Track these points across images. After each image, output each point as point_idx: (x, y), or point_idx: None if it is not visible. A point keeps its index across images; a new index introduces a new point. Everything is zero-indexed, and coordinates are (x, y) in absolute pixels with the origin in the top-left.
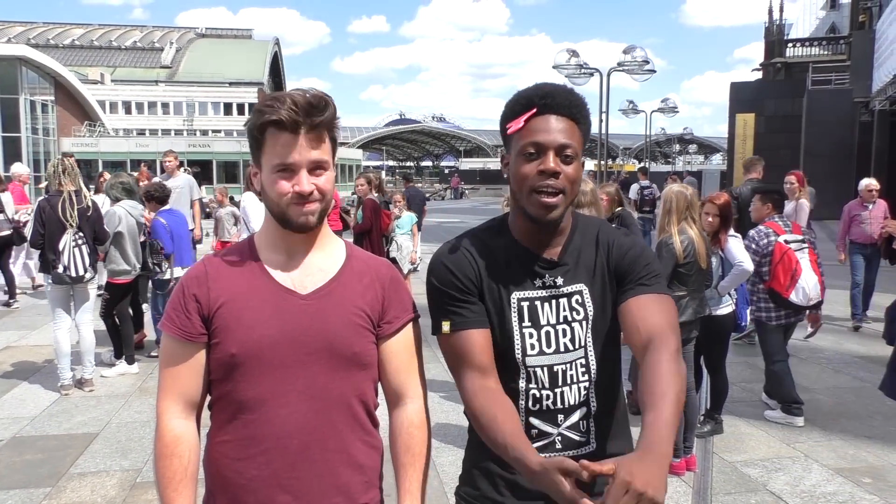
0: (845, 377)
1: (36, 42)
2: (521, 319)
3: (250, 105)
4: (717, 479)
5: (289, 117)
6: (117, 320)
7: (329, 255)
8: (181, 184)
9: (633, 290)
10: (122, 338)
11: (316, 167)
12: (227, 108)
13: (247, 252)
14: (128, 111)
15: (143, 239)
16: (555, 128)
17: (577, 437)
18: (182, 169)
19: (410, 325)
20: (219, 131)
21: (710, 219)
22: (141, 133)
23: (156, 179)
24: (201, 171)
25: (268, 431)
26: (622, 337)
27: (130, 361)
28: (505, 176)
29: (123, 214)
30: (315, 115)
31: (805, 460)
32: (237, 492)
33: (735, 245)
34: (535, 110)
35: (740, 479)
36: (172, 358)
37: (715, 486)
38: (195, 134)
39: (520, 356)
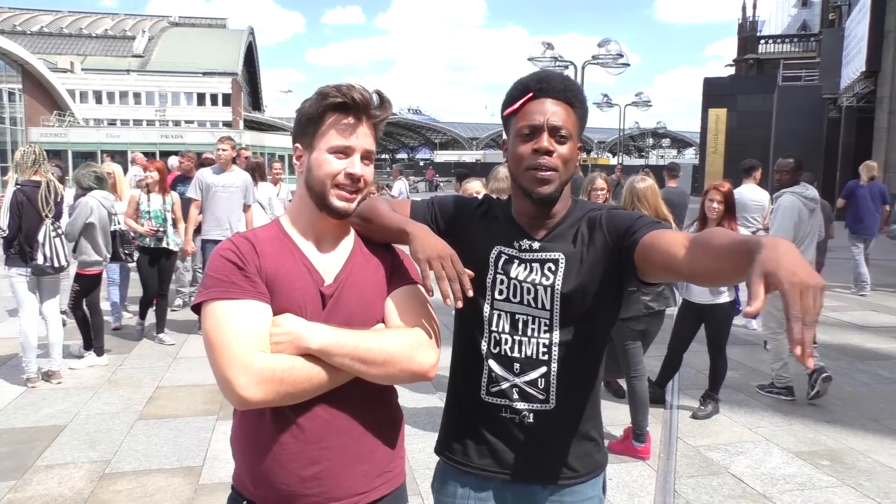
0: None
1: (2, 28)
2: (496, 267)
3: (224, 95)
4: (681, 462)
5: (361, 100)
6: (87, 312)
7: (347, 237)
8: (236, 182)
9: (640, 234)
10: (91, 329)
11: (366, 156)
12: (201, 99)
13: (281, 234)
14: (98, 101)
15: (113, 228)
16: (549, 110)
17: (535, 394)
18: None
19: (412, 285)
20: (192, 122)
21: (716, 205)
22: (112, 123)
23: (205, 171)
24: None
25: (298, 406)
26: (662, 269)
27: (100, 353)
28: (505, 160)
29: (95, 205)
30: (379, 109)
31: (766, 444)
32: (268, 465)
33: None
34: (531, 95)
35: (703, 463)
36: (248, 318)
37: (679, 470)
38: (167, 124)
39: (489, 294)
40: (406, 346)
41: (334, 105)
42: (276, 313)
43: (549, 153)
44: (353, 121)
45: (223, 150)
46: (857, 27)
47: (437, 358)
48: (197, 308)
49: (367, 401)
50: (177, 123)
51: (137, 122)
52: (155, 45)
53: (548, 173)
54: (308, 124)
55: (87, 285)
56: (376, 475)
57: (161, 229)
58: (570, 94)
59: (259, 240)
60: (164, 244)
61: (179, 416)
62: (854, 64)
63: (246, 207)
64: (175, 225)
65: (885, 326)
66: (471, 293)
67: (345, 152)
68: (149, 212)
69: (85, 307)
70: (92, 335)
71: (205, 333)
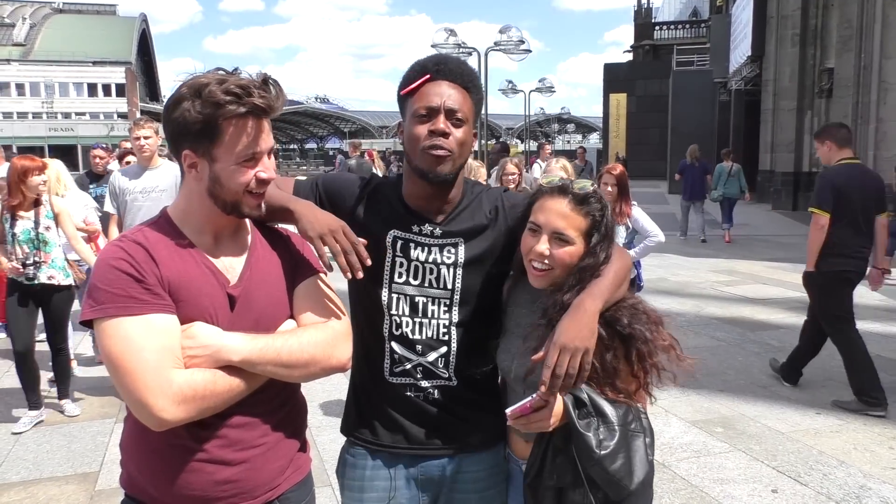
0: (704, 338)
1: None
2: (393, 251)
3: (118, 85)
4: None
5: (265, 105)
6: None
7: (244, 230)
8: (161, 184)
9: None
10: None
11: (270, 152)
12: (92, 89)
13: (174, 233)
14: None
15: None
16: (446, 93)
17: (437, 372)
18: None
19: (315, 276)
20: (83, 114)
21: (609, 188)
22: None
23: (120, 172)
24: (65, 157)
25: (215, 414)
26: None
27: None
28: (400, 142)
29: None
30: (277, 102)
31: (666, 415)
32: (179, 471)
33: (643, 216)
34: (429, 76)
35: None
36: (157, 335)
37: None
38: (56, 117)
39: (387, 279)
40: (325, 343)
41: (233, 114)
42: (182, 322)
43: (445, 135)
44: (255, 127)
45: (144, 137)
46: (743, 13)
47: (352, 349)
48: (87, 322)
49: (279, 396)
50: (66, 115)
51: (22, 115)
52: (38, 32)
53: (444, 152)
54: (202, 134)
55: None
56: (287, 466)
57: (31, 262)
58: (467, 79)
59: (152, 243)
60: (42, 279)
61: (74, 422)
62: (741, 49)
63: None
64: (71, 246)
65: (773, 298)
66: (368, 262)
67: (253, 158)
68: (15, 234)
69: None
70: None
71: (107, 354)
